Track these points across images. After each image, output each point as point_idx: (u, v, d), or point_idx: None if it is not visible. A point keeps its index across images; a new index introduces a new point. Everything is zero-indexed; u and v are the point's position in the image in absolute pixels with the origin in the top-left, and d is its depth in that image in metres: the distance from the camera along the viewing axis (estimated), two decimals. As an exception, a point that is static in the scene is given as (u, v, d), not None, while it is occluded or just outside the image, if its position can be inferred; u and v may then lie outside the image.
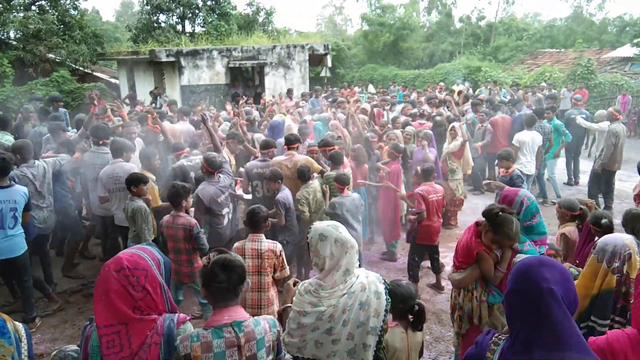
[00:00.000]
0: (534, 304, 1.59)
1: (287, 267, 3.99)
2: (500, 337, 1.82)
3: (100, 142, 5.77)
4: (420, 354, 2.98)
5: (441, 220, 5.61)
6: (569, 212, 4.31)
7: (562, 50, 27.21)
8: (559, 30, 34.98)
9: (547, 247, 3.29)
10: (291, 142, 5.90)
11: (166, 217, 4.56)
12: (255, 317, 2.23)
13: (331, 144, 6.17)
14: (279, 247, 3.90)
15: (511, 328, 1.70)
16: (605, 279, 2.76)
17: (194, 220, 4.52)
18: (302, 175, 5.41)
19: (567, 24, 36.86)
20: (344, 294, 2.26)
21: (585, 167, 9.83)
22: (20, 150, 5.19)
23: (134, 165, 5.52)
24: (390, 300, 2.35)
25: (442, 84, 17.57)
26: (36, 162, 5.28)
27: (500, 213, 3.00)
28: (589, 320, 2.83)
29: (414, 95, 15.43)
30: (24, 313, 4.93)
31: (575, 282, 2.92)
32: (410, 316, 2.90)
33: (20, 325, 2.35)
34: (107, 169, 5.40)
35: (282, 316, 2.51)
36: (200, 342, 2.05)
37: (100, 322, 2.06)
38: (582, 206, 4.37)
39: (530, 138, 8.13)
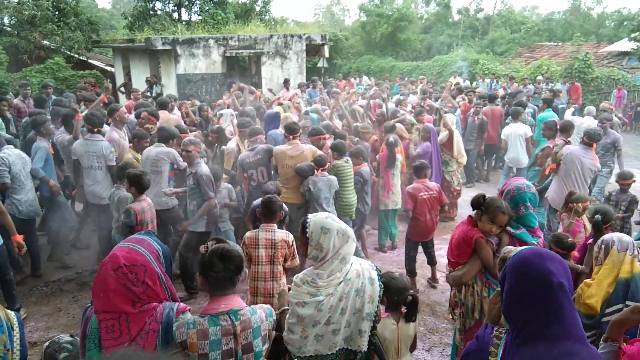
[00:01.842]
0: (545, 299, 1.53)
1: (297, 257, 3.98)
2: (500, 330, 1.80)
3: (95, 130, 5.71)
4: (414, 346, 2.97)
5: (437, 219, 5.53)
6: None
7: (560, 43, 27.14)
8: (556, 24, 34.94)
9: (540, 238, 3.28)
10: (294, 131, 5.82)
11: (140, 205, 4.50)
12: (252, 306, 2.23)
13: (317, 133, 6.11)
14: (290, 237, 3.90)
15: (512, 323, 1.65)
16: (633, 264, 3.03)
17: None
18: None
19: (565, 18, 36.82)
20: (341, 282, 2.25)
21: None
22: None
23: (172, 150, 5.59)
24: (382, 286, 2.36)
25: (422, 77, 17.23)
26: (7, 148, 5.30)
27: (485, 197, 3.11)
28: (618, 304, 3.00)
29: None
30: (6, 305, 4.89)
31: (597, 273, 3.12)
32: (403, 308, 2.89)
33: (12, 314, 2.33)
34: (152, 150, 5.52)
35: (280, 320, 2.46)
36: (197, 329, 2.05)
37: (99, 310, 2.05)
38: None
39: (511, 130, 8.30)
